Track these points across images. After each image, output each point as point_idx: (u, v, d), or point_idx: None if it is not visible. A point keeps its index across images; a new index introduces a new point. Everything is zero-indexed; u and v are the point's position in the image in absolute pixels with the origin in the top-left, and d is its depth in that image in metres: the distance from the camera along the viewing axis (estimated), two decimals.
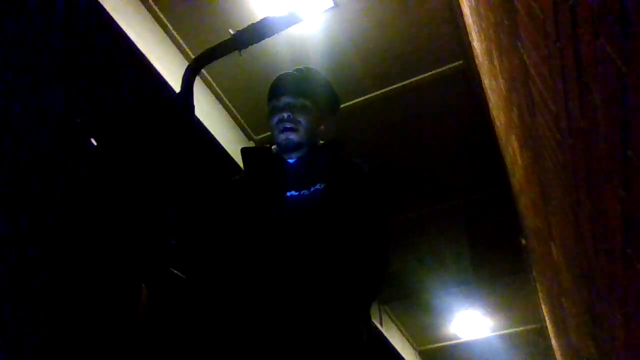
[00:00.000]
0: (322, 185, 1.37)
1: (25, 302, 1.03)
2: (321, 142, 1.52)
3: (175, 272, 1.09)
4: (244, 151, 1.55)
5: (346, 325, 1.24)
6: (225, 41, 1.13)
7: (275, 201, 1.39)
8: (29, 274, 1.04)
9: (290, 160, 1.47)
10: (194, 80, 1.09)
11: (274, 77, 1.53)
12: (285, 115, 1.43)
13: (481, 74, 3.05)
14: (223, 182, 1.57)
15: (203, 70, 3.24)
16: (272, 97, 1.48)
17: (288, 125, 1.43)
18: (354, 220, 1.35)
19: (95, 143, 0.98)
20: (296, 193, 1.38)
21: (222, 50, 1.13)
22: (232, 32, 1.13)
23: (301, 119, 1.44)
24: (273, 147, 1.51)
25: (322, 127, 1.53)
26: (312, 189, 1.37)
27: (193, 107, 1.04)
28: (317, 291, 1.25)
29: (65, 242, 1.06)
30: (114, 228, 1.04)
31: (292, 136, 1.43)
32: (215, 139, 3.44)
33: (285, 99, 1.45)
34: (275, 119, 1.45)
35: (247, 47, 1.14)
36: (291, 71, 1.53)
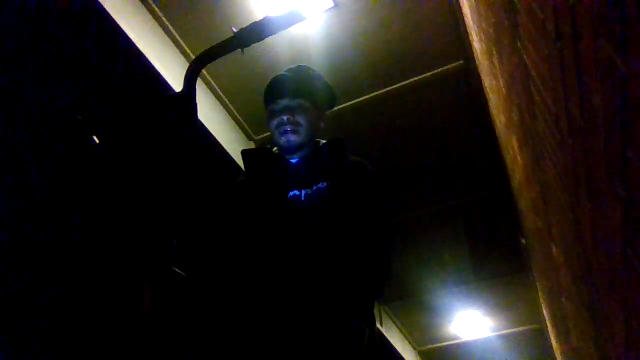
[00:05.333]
0: (325, 184, 1.37)
1: (26, 301, 1.03)
2: (323, 141, 1.52)
3: (177, 270, 1.09)
4: (245, 153, 1.55)
5: (348, 324, 1.24)
6: (227, 39, 1.13)
7: (278, 200, 1.39)
8: (29, 273, 1.04)
9: (293, 160, 1.47)
10: (196, 78, 1.09)
11: (270, 79, 1.53)
12: (285, 118, 1.43)
13: (481, 74, 3.05)
14: (226, 182, 1.58)
15: (203, 70, 3.23)
16: (270, 100, 1.48)
17: (288, 127, 1.42)
18: (357, 217, 1.35)
19: (97, 141, 0.97)
20: (299, 192, 1.38)
21: (224, 48, 1.13)
22: (234, 30, 1.13)
23: (300, 119, 1.44)
24: (274, 148, 1.51)
25: (322, 124, 1.53)
26: (314, 187, 1.37)
27: (196, 105, 1.04)
28: (319, 290, 1.25)
29: (66, 240, 1.06)
30: (115, 226, 1.04)
31: (293, 137, 1.43)
32: (215, 139, 3.45)
33: (283, 102, 1.45)
34: (275, 123, 1.45)
35: (250, 45, 1.13)
36: (284, 72, 1.53)
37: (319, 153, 1.48)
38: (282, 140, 1.44)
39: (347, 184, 1.38)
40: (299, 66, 1.55)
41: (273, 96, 1.47)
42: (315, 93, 1.50)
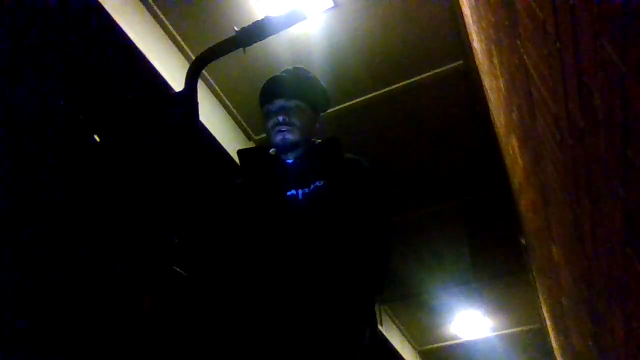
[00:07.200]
0: (322, 182, 1.38)
1: (24, 301, 1.03)
2: (318, 140, 1.53)
3: (178, 270, 1.09)
4: (241, 153, 1.55)
5: (347, 324, 1.24)
6: (228, 39, 1.13)
7: (276, 200, 1.39)
8: (29, 272, 1.04)
9: (289, 160, 1.47)
10: (197, 77, 1.10)
11: (266, 80, 1.53)
12: (280, 118, 1.44)
13: (481, 74, 3.05)
14: (225, 182, 1.58)
15: (203, 70, 3.24)
16: (265, 101, 1.49)
17: (283, 128, 1.43)
18: (355, 215, 1.35)
19: (98, 140, 0.98)
20: (296, 191, 1.39)
21: (225, 48, 1.13)
22: (236, 29, 1.13)
23: (295, 120, 1.45)
24: (271, 149, 1.51)
25: (318, 125, 1.54)
26: (312, 187, 1.38)
27: (197, 104, 1.04)
28: (318, 289, 1.25)
29: (66, 240, 1.06)
30: (115, 226, 1.04)
31: (288, 136, 1.44)
32: (215, 139, 3.45)
33: (279, 102, 1.46)
34: (270, 123, 1.46)
35: (251, 44, 1.14)
36: (280, 73, 1.54)
37: (315, 152, 1.48)
38: (278, 138, 1.44)
39: (344, 182, 1.39)
40: (295, 67, 1.56)
41: (269, 97, 1.48)
42: (311, 94, 1.51)
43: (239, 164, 1.56)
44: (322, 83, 1.59)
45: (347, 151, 1.51)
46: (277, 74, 1.54)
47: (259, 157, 1.53)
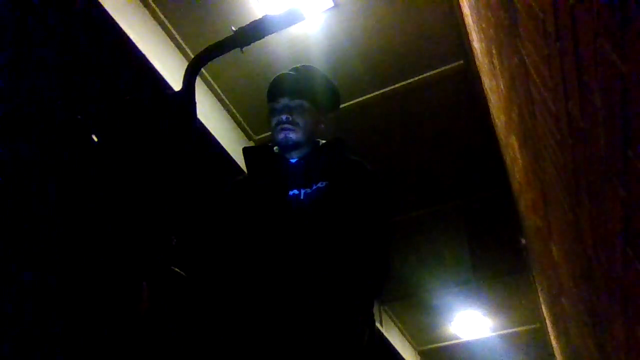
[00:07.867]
0: (324, 183, 1.38)
1: (23, 300, 1.03)
2: (323, 141, 1.53)
3: (177, 270, 1.09)
4: (246, 151, 1.55)
5: (347, 324, 1.24)
6: (226, 38, 1.13)
7: (277, 200, 1.39)
8: (27, 271, 1.04)
9: (292, 160, 1.47)
10: (195, 77, 1.10)
11: (274, 77, 1.53)
12: (284, 117, 1.44)
13: (481, 74, 3.05)
14: (226, 181, 1.58)
15: (203, 70, 3.25)
16: (271, 99, 1.50)
17: (286, 127, 1.43)
18: (356, 217, 1.35)
19: (96, 140, 0.98)
20: (298, 191, 1.38)
21: (223, 47, 1.13)
22: (233, 29, 1.13)
23: (299, 120, 1.45)
24: (275, 147, 1.52)
25: (323, 125, 1.53)
26: (314, 187, 1.38)
27: (195, 104, 1.04)
28: (318, 289, 1.25)
29: (65, 239, 1.06)
30: (114, 225, 1.04)
31: (291, 135, 1.44)
32: (215, 139, 3.45)
33: (283, 101, 1.46)
34: (274, 121, 1.47)
35: (249, 44, 1.14)
36: (289, 71, 1.54)
37: (319, 153, 1.48)
38: (280, 137, 1.45)
39: (346, 183, 1.39)
40: (304, 66, 1.56)
41: (274, 95, 1.49)
42: (317, 94, 1.51)
43: (242, 163, 1.56)
44: (333, 82, 1.58)
45: (350, 152, 1.51)
46: (286, 71, 1.54)
47: (263, 156, 1.53)
